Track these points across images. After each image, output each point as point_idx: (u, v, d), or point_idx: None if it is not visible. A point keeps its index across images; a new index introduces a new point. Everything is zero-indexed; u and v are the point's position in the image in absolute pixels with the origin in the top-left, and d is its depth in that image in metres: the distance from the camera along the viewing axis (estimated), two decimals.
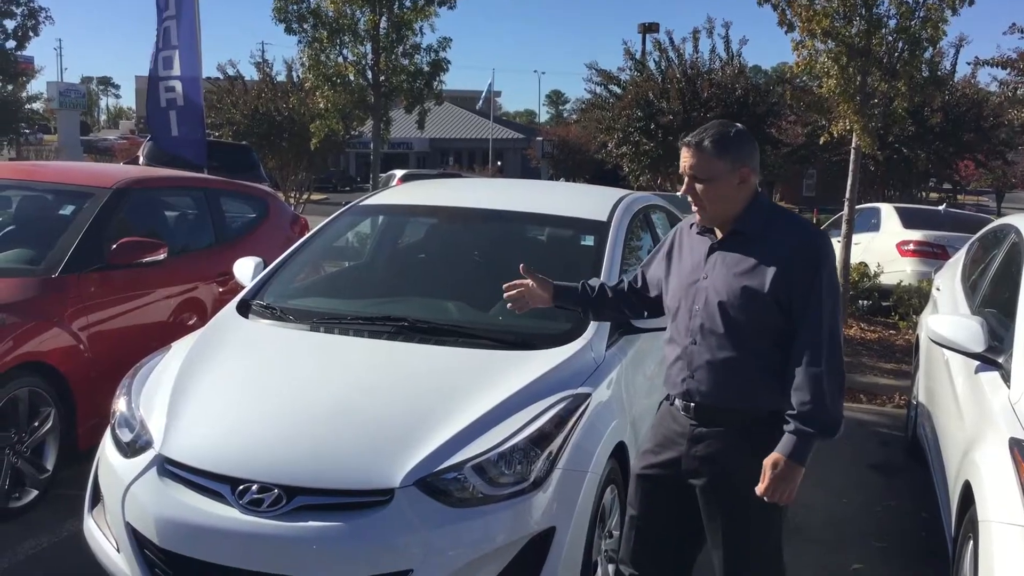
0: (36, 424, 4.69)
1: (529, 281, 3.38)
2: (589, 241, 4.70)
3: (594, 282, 3.44)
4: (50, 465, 4.77)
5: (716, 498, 2.88)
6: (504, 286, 3.44)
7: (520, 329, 4.13)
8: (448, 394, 3.62)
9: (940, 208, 13.53)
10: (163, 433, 3.52)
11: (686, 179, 2.89)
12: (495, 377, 3.71)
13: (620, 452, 3.86)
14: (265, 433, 3.45)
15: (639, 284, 3.32)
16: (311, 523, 3.18)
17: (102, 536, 3.58)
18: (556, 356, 3.86)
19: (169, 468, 3.43)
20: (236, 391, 3.75)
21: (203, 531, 3.24)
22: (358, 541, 3.15)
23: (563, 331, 4.07)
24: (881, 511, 5.17)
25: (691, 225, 3.05)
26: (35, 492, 4.67)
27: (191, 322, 5.93)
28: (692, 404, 2.91)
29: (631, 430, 4.09)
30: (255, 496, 3.24)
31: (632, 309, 3.39)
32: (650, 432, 3.11)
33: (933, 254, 11.13)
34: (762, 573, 2.94)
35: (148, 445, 3.53)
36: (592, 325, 4.05)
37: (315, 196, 21.90)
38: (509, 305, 3.44)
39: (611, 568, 3.89)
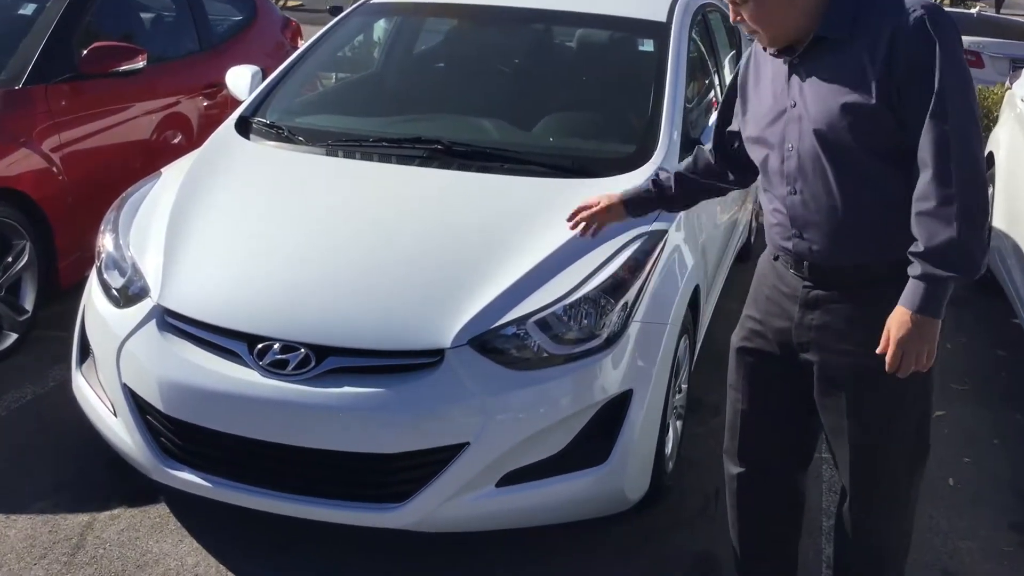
0: (9, 260, 4.08)
1: (592, 203, 2.68)
2: (648, 46, 3.99)
3: (664, 173, 2.66)
4: (29, 305, 4.20)
5: (840, 378, 2.24)
6: (568, 217, 2.72)
7: (577, 152, 3.50)
8: (500, 234, 3.03)
9: (973, 11, 12.62)
10: (160, 279, 2.94)
11: (729, 5, 2.18)
12: (553, 213, 3.10)
13: (694, 297, 3.33)
14: (286, 281, 2.87)
15: (728, 145, 2.51)
16: (346, 389, 2.65)
17: (95, 398, 3.06)
18: (622, 185, 3.20)
19: (170, 322, 2.87)
20: (246, 228, 3.14)
21: (216, 397, 2.71)
22: (404, 410, 2.63)
23: (627, 154, 3.45)
24: (952, 349, 4.73)
25: (764, 47, 2.26)
26: (13, 336, 4.12)
27: (176, 140, 5.25)
28: (805, 263, 2.24)
29: (704, 269, 3.54)
30: (277, 356, 2.70)
31: (733, 181, 2.61)
32: (751, 295, 2.47)
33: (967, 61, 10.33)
34: (903, 473, 2.32)
35: (143, 293, 2.95)
36: (662, 144, 3.43)
37: (290, 2, 20.33)
38: (576, 230, 2.71)
39: (679, 424, 3.43)
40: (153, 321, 2.88)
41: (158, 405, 2.79)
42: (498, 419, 2.68)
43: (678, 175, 2.61)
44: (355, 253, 2.95)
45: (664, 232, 3.11)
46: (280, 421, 2.68)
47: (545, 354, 2.75)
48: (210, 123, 4.94)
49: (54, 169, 4.29)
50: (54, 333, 4.10)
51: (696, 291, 3.36)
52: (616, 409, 2.82)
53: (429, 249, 2.98)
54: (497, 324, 2.73)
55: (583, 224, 2.66)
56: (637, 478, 2.91)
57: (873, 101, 2.04)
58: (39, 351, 4.14)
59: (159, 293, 2.90)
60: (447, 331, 2.70)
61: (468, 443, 2.65)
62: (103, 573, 2.83)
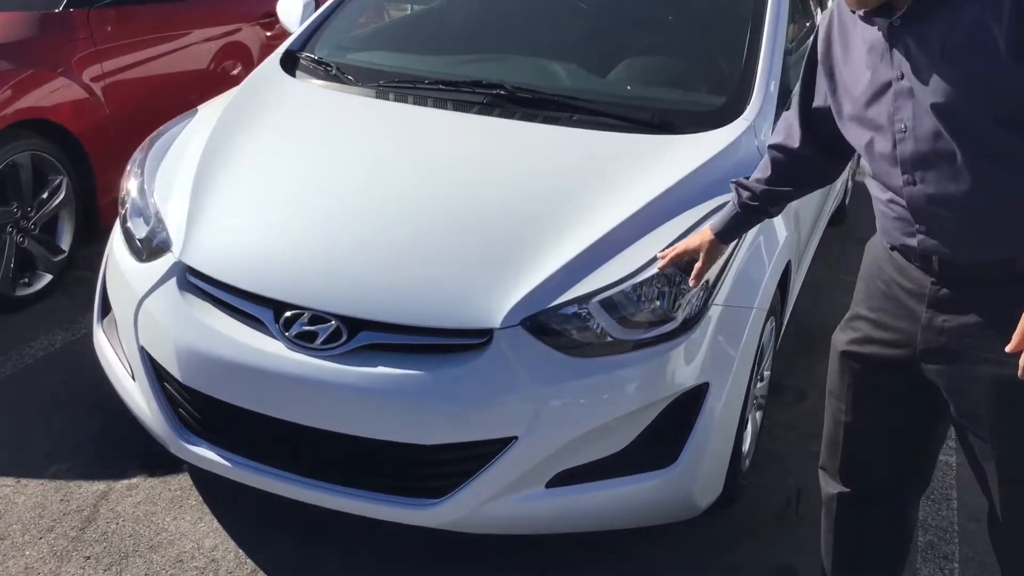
0: (45, 196, 3.84)
1: (685, 249, 2.34)
2: None
3: (744, 192, 2.23)
4: (65, 245, 3.97)
5: (980, 393, 1.81)
6: (657, 256, 2.42)
7: (658, 103, 3.09)
8: (565, 197, 2.65)
9: None
10: (184, 232, 2.64)
11: None
12: (628, 174, 2.72)
13: (784, 274, 2.93)
14: (320, 242, 2.54)
15: (817, 125, 2.03)
16: (380, 369, 2.33)
17: (115, 358, 2.79)
18: (709, 144, 2.84)
19: (192, 281, 2.57)
20: (281, 180, 2.81)
21: (236, 368, 2.41)
22: (444, 397, 2.30)
23: (716, 108, 3.03)
24: None
25: (852, 8, 1.80)
26: (48, 277, 3.90)
27: (235, 72, 4.95)
28: (935, 258, 1.82)
29: (797, 241, 3.13)
30: (305, 328, 2.38)
31: (832, 170, 2.19)
32: (861, 288, 2.03)
33: None
34: None
35: (166, 246, 2.65)
36: (756, 96, 3.00)
37: None
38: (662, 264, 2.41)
39: (759, 416, 3.06)
40: (174, 279, 2.58)
41: (175, 373, 2.51)
42: (551, 412, 2.33)
43: (768, 178, 2.19)
44: (399, 213, 2.60)
45: None
46: (304, 400, 2.37)
47: (609, 339, 2.38)
48: (269, 54, 4.63)
49: (95, 101, 4.02)
50: (92, 275, 3.86)
51: (787, 268, 2.95)
52: (689, 404, 2.45)
53: (483, 212, 2.62)
54: (556, 303, 2.37)
55: (669, 259, 2.40)
56: (709, 483, 2.55)
57: (1001, 52, 1.60)
58: (75, 293, 3.92)
59: (181, 248, 2.60)
60: (498, 308, 2.35)
61: (516, 437, 2.32)
62: (112, 552, 2.58)
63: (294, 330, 2.38)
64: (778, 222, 2.86)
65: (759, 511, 2.91)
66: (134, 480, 2.86)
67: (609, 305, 2.41)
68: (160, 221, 2.72)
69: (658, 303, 2.44)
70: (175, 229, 2.66)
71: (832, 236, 4.78)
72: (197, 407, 2.53)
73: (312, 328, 2.38)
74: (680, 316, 2.44)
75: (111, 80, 4.11)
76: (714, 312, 2.48)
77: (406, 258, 2.47)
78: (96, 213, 4.09)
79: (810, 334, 3.90)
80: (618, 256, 2.47)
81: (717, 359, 2.49)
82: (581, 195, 2.64)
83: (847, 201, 5.15)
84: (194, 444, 2.55)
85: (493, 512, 2.38)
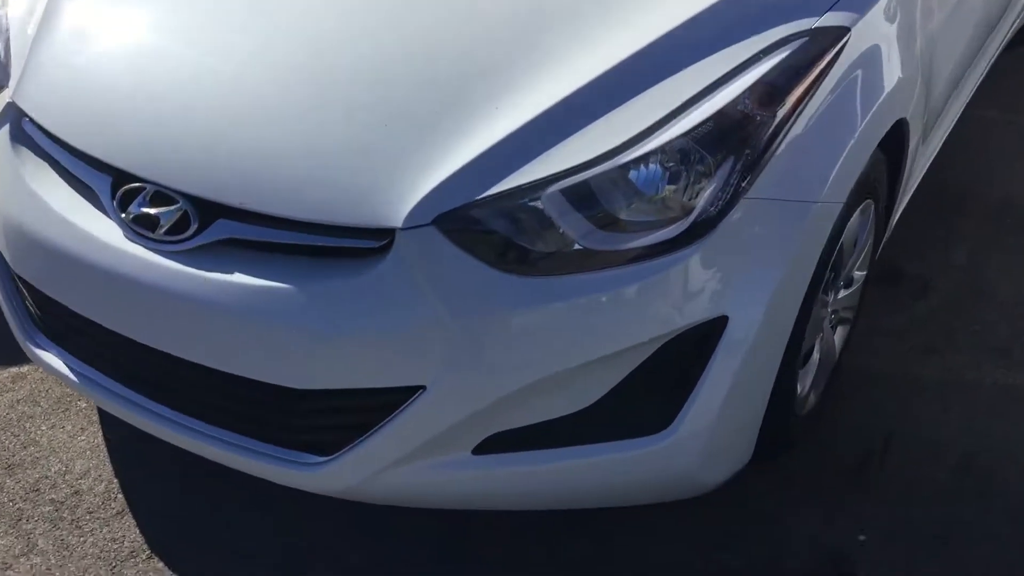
0: None
1: None
2: None
3: None
4: None
5: None
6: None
7: None
8: (516, 40, 1.76)
9: None
10: (23, 66, 1.93)
11: None
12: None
13: (894, 135, 2.00)
14: (180, 101, 1.77)
15: None
16: (236, 277, 1.61)
17: None
18: None
19: (28, 132, 1.89)
20: (150, 17, 1.97)
21: (62, 258, 1.74)
22: (319, 320, 1.57)
23: None
24: None
25: None
26: None
27: None
28: None
29: (928, 85, 2.16)
30: (145, 209, 1.68)
31: None
32: None
33: None
34: None
35: (2, 80, 1.97)
36: None
37: None
38: None
39: (844, 331, 2.22)
40: (7, 126, 1.91)
41: (4, 253, 1.89)
42: (476, 352, 1.57)
43: None
44: (285, 63, 1.78)
45: (843, 31, 1.75)
46: (137, 308, 1.70)
47: (577, 247, 1.57)
48: None
49: None
50: None
51: (899, 131, 2.01)
52: (695, 347, 1.64)
53: (402, 57, 1.76)
54: (491, 192, 1.56)
55: None
56: (723, 454, 1.77)
57: None
58: None
59: (15, 87, 1.91)
60: (402, 199, 1.56)
61: (423, 387, 1.59)
62: None
63: (132, 211, 1.68)
64: (890, 59, 1.91)
65: (823, 464, 2.11)
66: (23, 369, 2.31)
67: (578, 195, 1.58)
68: (7, 45, 2.01)
69: (658, 192, 1.60)
70: (16, 59, 1.95)
71: (1011, 62, 3.64)
72: (36, 301, 1.91)
73: (154, 211, 1.67)
74: (691, 216, 1.59)
75: None
76: (744, 209, 1.61)
77: (287, 123, 1.68)
78: None
79: (954, 197, 2.93)
80: (596, 123, 1.61)
81: (744, 281, 1.64)
82: (539, 36, 1.75)
83: None
84: (41, 347, 1.94)
85: (401, 481, 1.69)
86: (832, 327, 2.13)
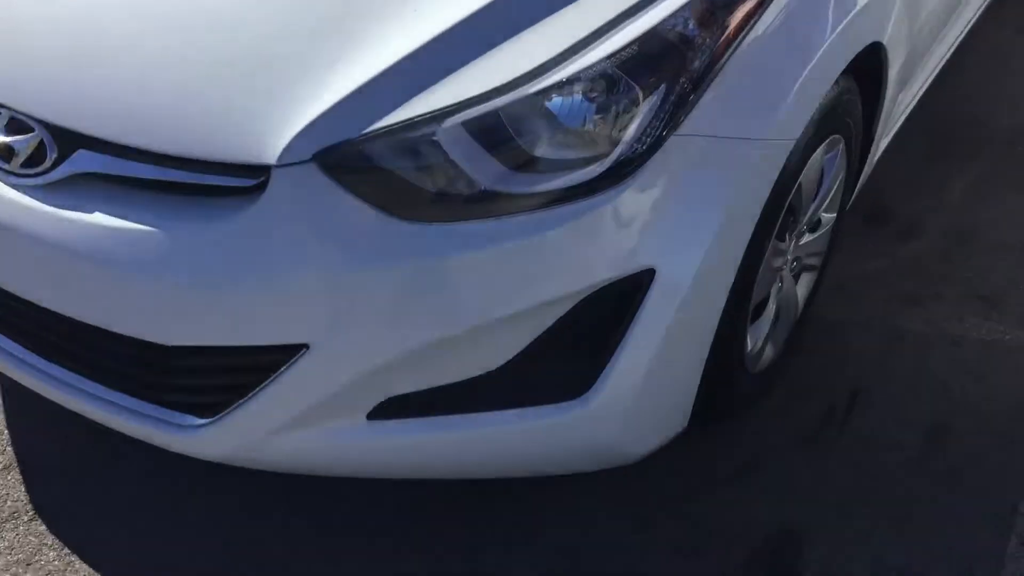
0: None
1: None
2: None
3: None
4: None
5: None
6: None
7: None
8: None
9: None
10: None
11: None
12: None
13: (871, 62, 1.77)
14: (43, 22, 1.56)
15: None
16: (95, 216, 1.42)
17: None
18: None
19: None
20: None
21: None
22: (186, 268, 1.38)
23: None
24: None
25: None
26: None
27: None
28: None
29: (907, 6, 1.91)
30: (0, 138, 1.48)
31: None
32: None
33: None
34: None
35: None
36: None
37: None
38: None
39: (810, 279, 2.02)
40: None
41: None
42: (364, 308, 1.38)
43: None
44: None
45: None
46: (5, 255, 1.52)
47: (481, 189, 1.37)
48: None
49: None
50: None
51: (876, 54, 1.78)
52: (618, 302, 1.44)
53: None
54: (379, 125, 1.35)
55: None
56: (652, 419, 1.58)
57: None
58: None
59: None
60: (278, 132, 1.36)
61: (306, 346, 1.40)
62: None
63: None
64: None
65: (777, 426, 1.92)
66: None
67: (485, 129, 1.36)
68: None
69: (577, 125, 1.39)
70: None
71: None
72: None
73: (8, 139, 1.48)
74: (615, 152, 1.38)
75: None
76: (677, 146, 1.40)
77: (150, 52, 1.47)
78: None
79: (960, 125, 2.70)
80: (504, 45, 1.39)
81: (676, 228, 1.43)
82: None
83: None
84: None
85: (290, 448, 1.51)
86: (794, 275, 1.93)
